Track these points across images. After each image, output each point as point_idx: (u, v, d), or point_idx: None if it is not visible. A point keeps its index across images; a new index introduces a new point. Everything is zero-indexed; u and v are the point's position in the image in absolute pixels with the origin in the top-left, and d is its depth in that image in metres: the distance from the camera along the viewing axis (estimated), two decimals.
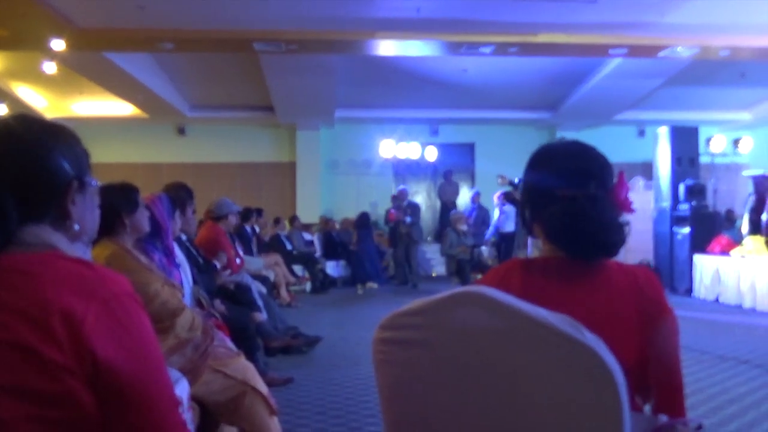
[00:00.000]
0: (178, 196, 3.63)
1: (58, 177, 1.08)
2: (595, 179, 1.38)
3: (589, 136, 13.33)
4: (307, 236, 10.95)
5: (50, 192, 1.08)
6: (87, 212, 1.16)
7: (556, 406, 1.00)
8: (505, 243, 9.66)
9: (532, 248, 7.00)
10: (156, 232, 3.14)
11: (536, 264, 1.41)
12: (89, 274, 1.00)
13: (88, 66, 9.04)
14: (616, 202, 1.39)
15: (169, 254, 3.24)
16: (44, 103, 11.80)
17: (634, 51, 8.37)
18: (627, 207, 1.40)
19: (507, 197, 7.56)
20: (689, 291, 8.81)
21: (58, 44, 7.42)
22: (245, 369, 2.71)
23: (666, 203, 9.48)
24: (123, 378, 0.96)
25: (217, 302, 4.07)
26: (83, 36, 7.29)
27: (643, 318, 1.33)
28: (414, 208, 10.45)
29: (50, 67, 8.81)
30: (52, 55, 8.21)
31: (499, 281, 1.35)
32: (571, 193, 1.34)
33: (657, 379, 1.36)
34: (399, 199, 10.48)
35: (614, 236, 1.34)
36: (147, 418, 0.99)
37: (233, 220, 5.63)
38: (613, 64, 9.59)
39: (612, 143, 12.88)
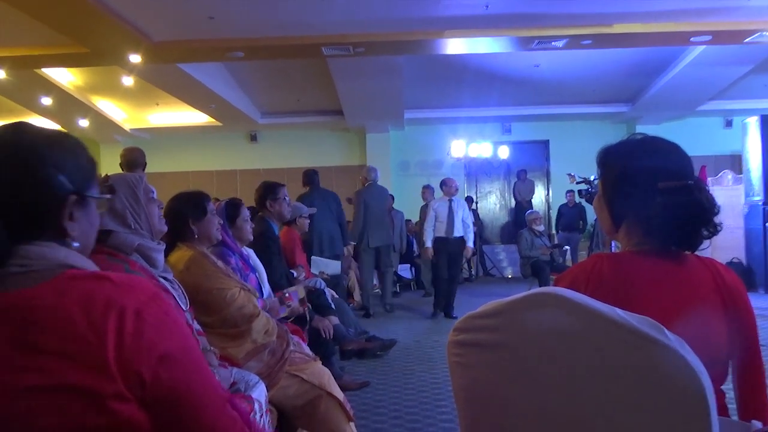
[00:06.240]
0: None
1: (52, 192, 1.00)
2: (686, 173, 1.41)
3: (671, 129, 12.87)
4: None
5: (44, 208, 1.00)
6: (89, 227, 1.08)
7: (638, 410, 0.99)
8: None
9: (615, 247, 6.80)
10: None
11: (624, 255, 1.43)
12: (110, 288, 0.95)
13: (164, 78, 9.41)
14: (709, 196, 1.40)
15: (244, 259, 3.34)
16: (123, 115, 12.36)
17: (719, 37, 8.01)
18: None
19: (581, 195, 7.35)
20: None
21: (135, 58, 7.77)
22: (321, 374, 2.76)
23: (758, 197, 9.02)
24: (173, 385, 0.95)
25: (333, 318, 4.26)
26: (158, 49, 7.61)
27: (729, 309, 1.35)
28: None
29: (128, 81, 9.26)
30: (130, 69, 8.61)
31: (590, 272, 1.37)
32: (676, 185, 1.36)
33: (743, 376, 1.36)
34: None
35: (715, 226, 1.38)
36: (202, 420, 0.99)
37: (305, 223, 5.74)
38: (696, 52, 9.22)
39: (696, 135, 12.42)
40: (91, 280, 0.96)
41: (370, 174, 7.94)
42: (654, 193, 1.37)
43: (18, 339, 0.90)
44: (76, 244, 1.03)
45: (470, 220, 7.79)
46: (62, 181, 1.01)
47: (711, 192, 1.41)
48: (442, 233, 7.54)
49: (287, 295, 3.47)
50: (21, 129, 1.03)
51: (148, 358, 0.92)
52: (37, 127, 1.06)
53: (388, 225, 7.94)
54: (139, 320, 0.92)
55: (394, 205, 10.49)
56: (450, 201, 7.61)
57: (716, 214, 1.38)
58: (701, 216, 1.36)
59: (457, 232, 7.56)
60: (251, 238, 3.57)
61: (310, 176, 7.16)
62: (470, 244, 7.74)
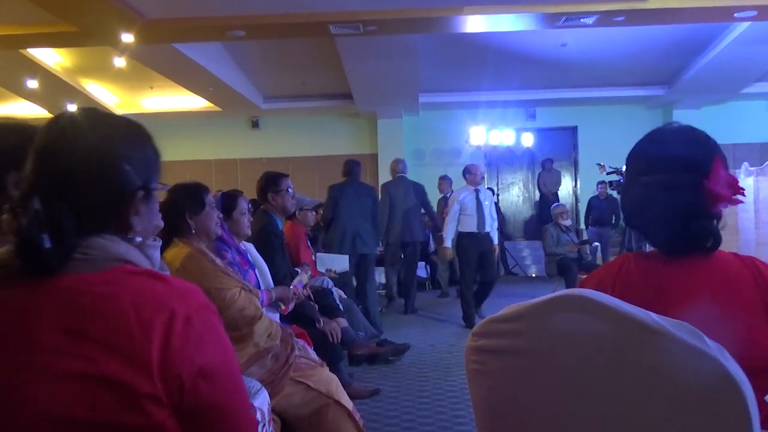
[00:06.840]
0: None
1: (122, 186, 1.06)
2: (691, 166, 1.35)
3: (712, 114, 12.75)
4: None
5: (112, 203, 1.06)
6: (149, 222, 1.15)
7: (674, 422, 0.98)
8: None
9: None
10: None
11: (654, 255, 1.42)
12: (164, 289, 1.00)
13: (158, 59, 9.44)
14: (708, 192, 1.34)
15: (241, 254, 3.36)
16: (115, 99, 12.42)
17: (765, 13, 7.93)
18: (720, 198, 1.35)
19: (611, 186, 7.25)
20: None
21: (127, 38, 7.80)
22: (329, 381, 2.76)
23: None
24: (209, 398, 0.99)
25: (342, 320, 4.28)
26: (152, 28, 7.62)
27: None
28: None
29: (120, 62, 9.29)
30: (122, 49, 8.64)
31: (617, 273, 1.38)
32: (648, 179, 1.35)
33: None
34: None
35: (696, 229, 1.33)
36: None
37: (310, 216, 5.75)
38: (740, 29, 9.12)
39: (740, 120, 12.33)
40: (146, 278, 1.02)
41: (398, 166, 8.16)
42: (637, 186, 1.37)
43: (66, 322, 0.95)
44: (138, 239, 1.10)
45: (495, 214, 7.54)
46: (133, 176, 1.07)
47: (718, 186, 1.35)
48: (470, 228, 7.10)
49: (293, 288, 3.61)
50: (95, 118, 1.09)
51: (190, 365, 0.96)
52: (109, 114, 1.12)
53: (413, 221, 7.93)
54: (188, 326, 0.97)
55: None
56: (476, 191, 7.24)
57: (708, 213, 1.35)
58: (686, 214, 1.34)
59: (488, 226, 7.13)
60: (249, 232, 3.57)
61: (350, 167, 7.28)
62: (496, 241, 7.47)
